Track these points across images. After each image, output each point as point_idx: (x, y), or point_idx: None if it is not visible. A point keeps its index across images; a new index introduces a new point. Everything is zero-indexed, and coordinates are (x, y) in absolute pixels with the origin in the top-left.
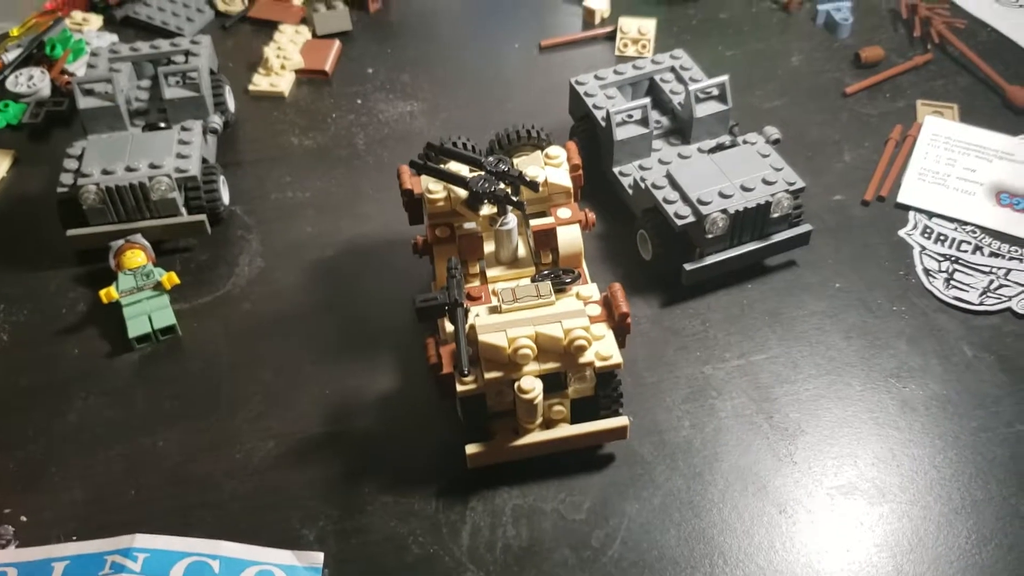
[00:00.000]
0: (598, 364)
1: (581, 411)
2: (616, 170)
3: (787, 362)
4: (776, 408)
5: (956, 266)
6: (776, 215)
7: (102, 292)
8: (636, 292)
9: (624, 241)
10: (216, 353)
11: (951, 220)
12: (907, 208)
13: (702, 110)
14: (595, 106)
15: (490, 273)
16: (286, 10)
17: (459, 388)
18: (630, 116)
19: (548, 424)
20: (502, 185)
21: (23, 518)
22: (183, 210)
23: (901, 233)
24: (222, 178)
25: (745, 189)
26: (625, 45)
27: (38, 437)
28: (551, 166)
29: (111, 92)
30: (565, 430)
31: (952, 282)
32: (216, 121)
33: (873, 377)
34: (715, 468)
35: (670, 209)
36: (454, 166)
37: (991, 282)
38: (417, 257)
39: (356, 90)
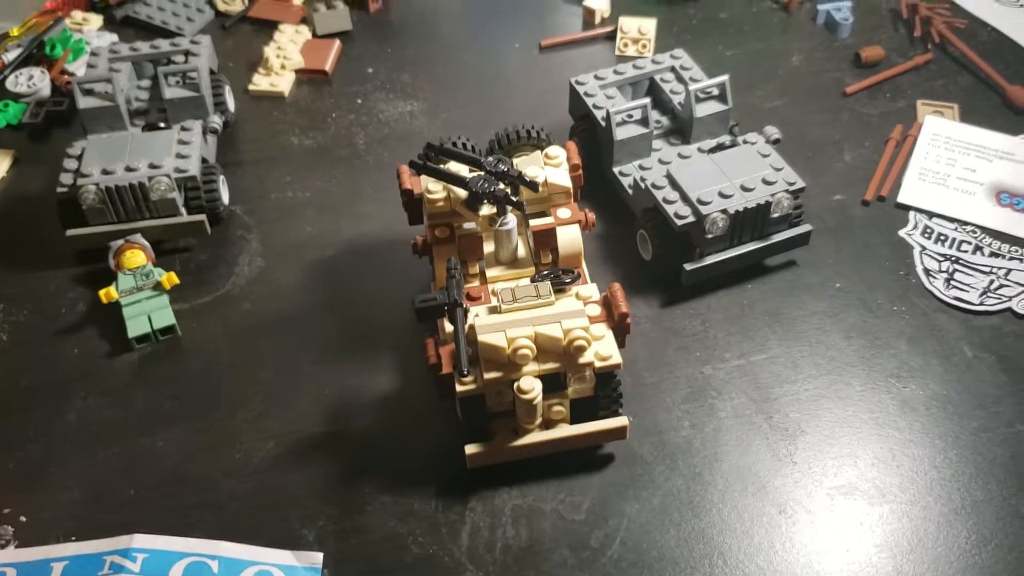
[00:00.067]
0: (598, 364)
1: (581, 411)
2: (616, 170)
3: (787, 362)
4: (776, 408)
5: (956, 266)
6: (776, 215)
7: (102, 292)
8: (636, 292)
9: (624, 241)
10: (216, 353)
11: (951, 220)
12: (907, 208)
13: (702, 110)
14: (595, 106)
15: (490, 273)
16: (286, 10)
17: (458, 388)
18: (630, 116)
19: (548, 424)
20: (502, 185)
21: (22, 518)
22: (183, 210)
23: (901, 233)
24: (222, 178)
25: (745, 189)
26: (625, 45)
27: (38, 437)
28: (551, 166)
29: (111, 92)
30: (564, 430)
31: (952, 282)
32: (216, 121)
33: (873, 377)
34: (715, 468)
35: (670, 209)
36: (454, 166)
37: (991, 282)
38: (417, 257)
39: (356, 90)
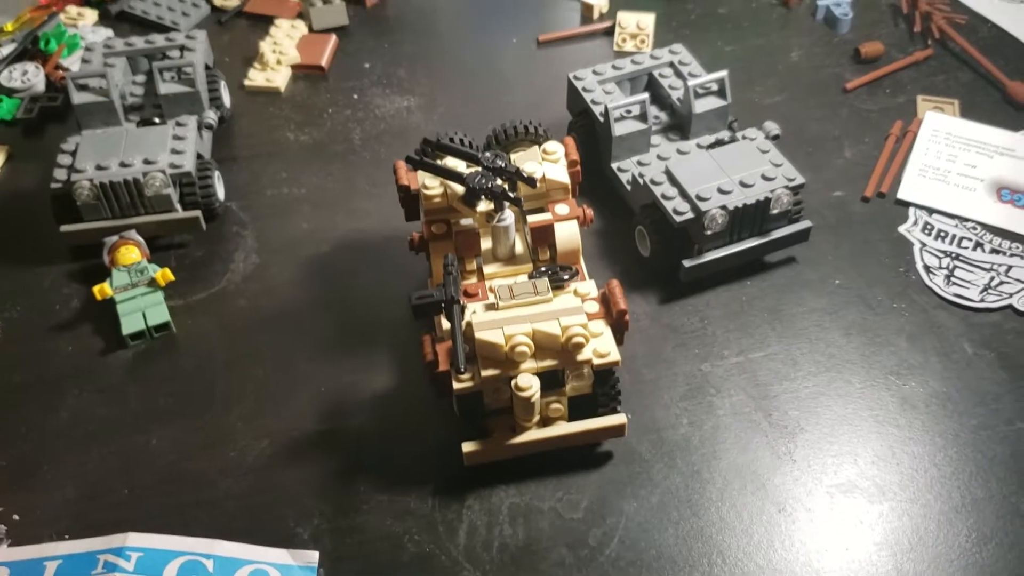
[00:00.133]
0: (596, 361)
1: (579, 409)
2: (614, 166)
3: (786, 359)
4: (775, 406)
5: (957, 263)
6: (776, 211)
7: (96, 288)
8: (634, 289)
9: (622, 237)
10: (210, 350)
11: (952, 216)
12: (907, 204)
13: (701, 106)
14: (593, 101)
15: (487, 270)
16: (282, 5)
17: (456, 386)
18: (628, 112)
19: (545, 422)
20: (499, 181)
21: (15, 517)
22: (178, 206)
23: (901, 229)
24: (217, 174)
25: (744, 185)
26: (624, 40)
27: (31, 434)
28: (549, 162)
29: (105, 87)
30: (562, 428)
31: (953, 279)
32: (211, 116)
33: (873, 374)
34: (713, 466)
35: (669, 205)
36: (451, 162)
37: (992, 279)
38: (413, 254)
39: (352, 85)
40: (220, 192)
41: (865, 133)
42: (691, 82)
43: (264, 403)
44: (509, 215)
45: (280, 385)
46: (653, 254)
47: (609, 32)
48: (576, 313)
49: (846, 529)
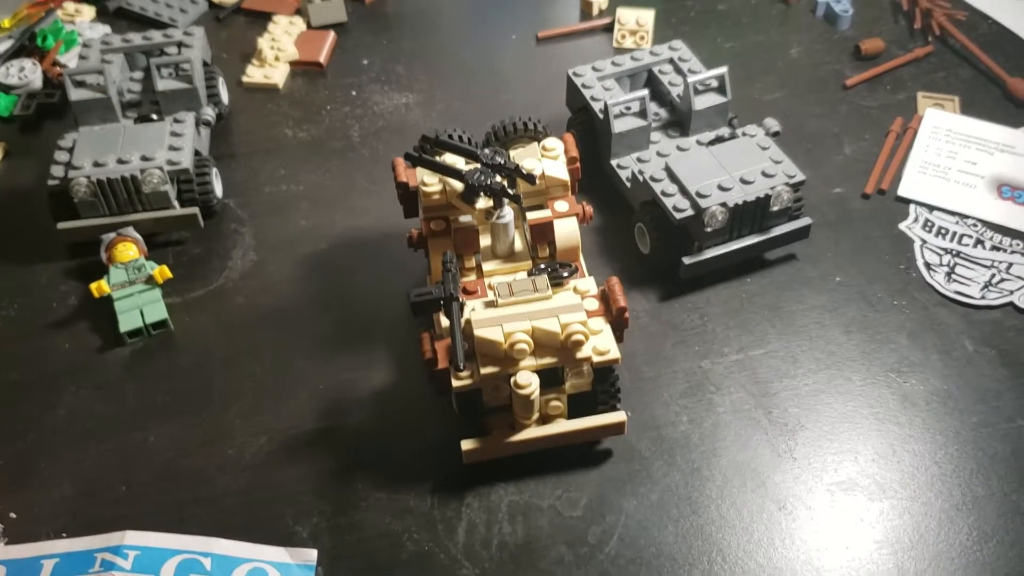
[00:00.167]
0: (596, 359)
1: (578, 406)
2: (614, 163)
3: (786, 357)
4: (775, 403)
5: (957, 260)
6: (776, 208)
7: (93, 286)
8: (634, 286)
9: (622, 235)
10: (208, 347)
11: (952, 213)
12: (908, 201)
13: (701, 102)
14: (593, 98)
15: (486, 267)
16: (280, 1)
17: (454, 383)
18: (628, 108)
19: (545, 419)
20: (498, 178)
21: (12, 515)
22: (175, 203)
23: (902, 226)
24: (215, 171)
25: (744, 182)
26: (623, 37)
27: (28, 432)
28: (548, 158)
29: (103, 84)
30: (562, 425)
31: (953, 276)
32: (209, 113)
33: (873, 372)
34: (713, 464)
35: (668, 202)
36: (450, 158)
37: (993, 276)
38: (412, 251)
39: (351, 82)
40: (218, 189)
41: (865, 130)
42: (691, 78)
43: (262, 400)
44: (508, 212)
45: (278, 382)
46: (653, 251)
47: (608, 29)
48: (575, 310)
49: (847, 527)
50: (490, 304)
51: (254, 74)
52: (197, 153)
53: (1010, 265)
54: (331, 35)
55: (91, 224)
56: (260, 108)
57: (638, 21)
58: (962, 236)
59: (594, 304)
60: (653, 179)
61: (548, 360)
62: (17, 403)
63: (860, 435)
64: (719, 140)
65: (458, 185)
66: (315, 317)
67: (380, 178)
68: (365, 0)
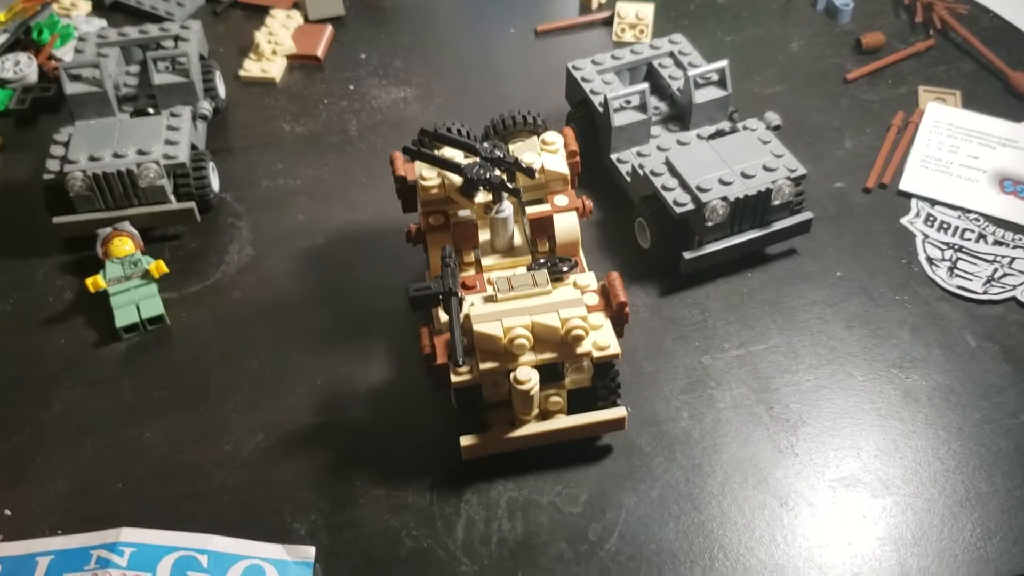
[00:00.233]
0: (596, 354)
1: (578, 402)
2: (614, 157)
3: (788, 352)
4: (776, 399)
5: (960, 255)
6: (777, 202)
7: (89, 281)
8: (634, 281)
9: (622, 229)
10: (205, 343)
11: (954, 208)
12: (909, 196)
13: (701, 96)
14: (592, 91)
15: (485, 262)
16: None
17: (454, 379)
18: (628, 102)
19: (544, 415)
20: (498, 172)
21: (7, 511)
22: (172, 197)
23: (903, 221)
24: (212, 165)
25: (745, 176)
26: (623, 30)
27: (23, 428)
28: (548, 152)
29: (99, 77)
30: (562, 421)
31: (956, 271)
32: (206, 107)
33: (875, 367)
34: (714, 460)
35: (669, 196)
36: (448, 152)
37: (995, 271)
38: (411, 245)
39: (348, 76)
40: (215, 183)
41: (866, 124)
42: (691, 72)
43: (259, 396)
44: (507, 206)
45: (275, 377)
46: (653, 246)
47: (608, 22)
48: (575, 305)
49: (849, 524)
50: (489, 299)
51: (251, 68)
52: (194, 147)
53: (1013, 260)
54: (328, 29)
55: (87, 219)
56: (257, 102)
57: (638, 15)
58: (964, 231)
59: (594, 299)
60: (653, 173)
61: (548, 355)
62: (12, 400)
63: (862, 431)
64: (720, 134)
65: (457, 179)
66: (313, 312)
67: (378, 172)
68: None
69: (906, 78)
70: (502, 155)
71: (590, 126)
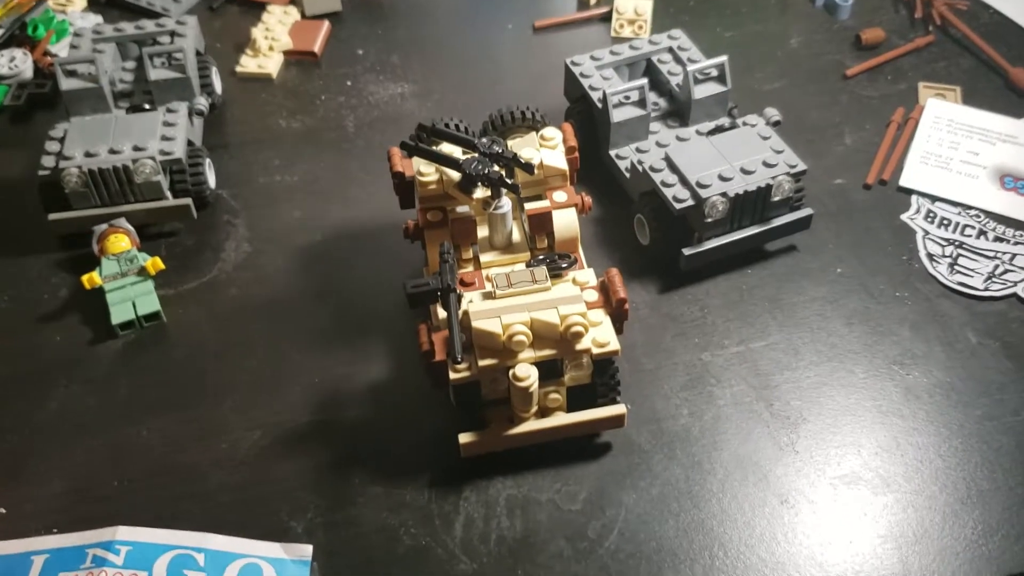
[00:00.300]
0: (595, 351)
1: (577, 399)
2: (613, 153)
3: (788, 349)
4: (777, 396)
5: (960, 251)
6: (777, 198)
7: (85, 278)
8: (633, 277)
9: (621, 225)
10: (202, 340)
11: (955, 204)
12: (910, 192)
13: (701, 91)
14: (591, 87)
15: (484, 258)
16: None
17: (452, 376)
18: (627, 97)
19: (544, 412)
20: (496, 167)
21: (2, 510)
22: (168, 194)
23: (904, 217)
24: (208, 161)
25: (745, 172)
26: (621, 26)
27: (19, 427)
28: (546, 148)
29: (94, 73)
30: (561, 418)
31: (956, 267)
32: (202, 103)
33: (876, 364)
34: (714, 457)
35: (668, 192)
36: (446, 148)
37: (996, 267)
38: (408, 242)
39: (346, 72)
40: (211, 180)
41: (866, 120)
42: (690, 68)
43: (257, 394)
44: (506, 202)
45: (273, 376)
46: (652, 242)
47: (606, 18)
48: (575, 302)
49: (850, 521)
50: (488, 295)
51: (248, 64)
52: (190, 143)
53: (1013, 256)
54: (325, 24)
55: (83, 215)
56: (254, 98)
57: (636, 10)
58: (965, 227)
59: (593, 295)
60: (652, 169)
61: (547, 352)
62: (8, 398)
63: (863, 428)
64: (719, 130)
65: (455, 175)
66: (310, 309)
67: (375, 168)
68: None
69: (906, 74)
70: (500, 151)
71: (589, 122)
